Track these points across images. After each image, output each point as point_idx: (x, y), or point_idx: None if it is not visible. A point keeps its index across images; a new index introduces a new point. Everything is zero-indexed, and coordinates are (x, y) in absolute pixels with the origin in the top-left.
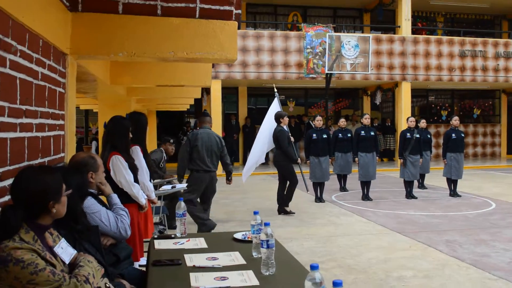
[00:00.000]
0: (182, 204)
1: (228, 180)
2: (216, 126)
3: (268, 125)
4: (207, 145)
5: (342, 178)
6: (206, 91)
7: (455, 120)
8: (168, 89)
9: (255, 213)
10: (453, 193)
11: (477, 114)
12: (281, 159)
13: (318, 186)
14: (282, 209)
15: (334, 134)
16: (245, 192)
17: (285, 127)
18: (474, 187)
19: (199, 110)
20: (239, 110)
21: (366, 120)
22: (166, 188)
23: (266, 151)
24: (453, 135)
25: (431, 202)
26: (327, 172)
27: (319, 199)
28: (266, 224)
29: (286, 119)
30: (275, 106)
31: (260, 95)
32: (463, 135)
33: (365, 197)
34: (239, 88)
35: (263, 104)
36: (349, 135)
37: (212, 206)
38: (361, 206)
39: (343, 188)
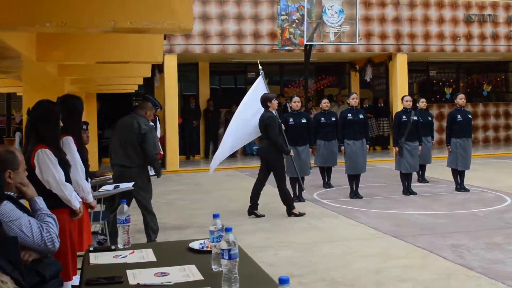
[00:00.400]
0: (125, 207)
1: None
2: (171, 110)
3: (251, 109)
4: (122, 135)
5: (325, 171)
6: (158, 68)
7: (461, 99)
8: (111, 67)
9: (215, 216)
10: (460, 187)
11: (487, 91)
12: (269, 150)
13: (296, 181)
14: (291, 212)
15: (315, 118)
16: (206, 191)
17: (274, 112)
18: (485, 179)
19: (150, 91)
20: (200, 91)
21: (353, 100)
22: (108, 188)
23: (250, 140)
24: (459, 116)
25: (433, 198)
26: (306, 165)
27: (297, 197)
28: (228, 230)
29: (275, 103)
30: (260, 86)
31: (226, 73)
32: (470, 116)
33: (354, 194)
34: (200, 64)
35: (229, 83)
36: (333, 119)
37: (165, 209)
38: (349, 205)
39: (326, 184)
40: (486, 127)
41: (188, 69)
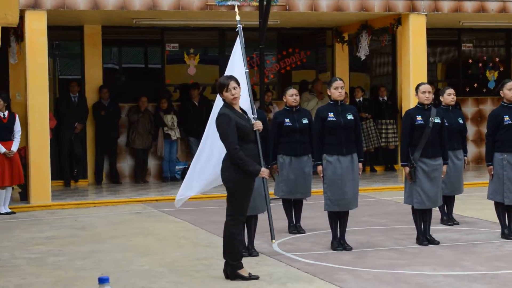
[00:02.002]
0: None
1: None
2: (38, 106)
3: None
4: None
5: (293, 206)
6: (15, 35)
7: (510, 89)
8: None
9: (102, 281)
10: (509, 232)
11: None
12: (227, 168)
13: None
14: (236, 272)
15: (276, 120)
16: (98, 239)
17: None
18: None
19: (2, 71)
20: (87, 74)
21: (337, 91)
22: None
23: None
24: (507, 117)
25: (465, 250)
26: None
27: (246, 248)
28: (103, 281)
29: (226, 94)
30: (236, 55)
31: (129, 44)
32: None
33: (338, 243)
34: (86, 28)
35: (135, 60)
36: (305, 121)
37: (29, 269)
38: (330, 261)
39: (294, 227)
40: None
41: (67, 37)
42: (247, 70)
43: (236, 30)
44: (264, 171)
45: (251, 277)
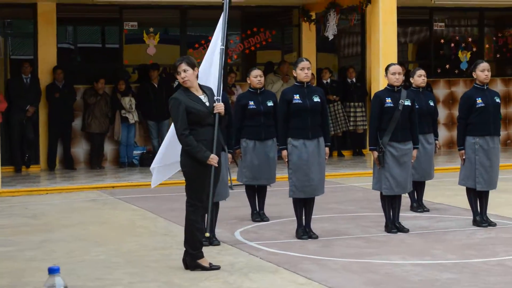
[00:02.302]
0: None
1: None
2: None
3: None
4: None
5: (256, 193)
6: None
7: (483, 70)
8: None
9: (52, 271)
10: (481, 219)
11: None
12: (183, 153)
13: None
14: (196, 263)
15: (239, 103)
16: (50, 228)
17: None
18: None
19: None
20: (40, 54)
21: (303, 72)
22: None
23: None
24: (480, 100)
25: (436, 238)
26: (222, 182)
27: (207, 238)
28: (53, 271)
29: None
30: (216, 31)
31: (88, 21)
32: (498, 100)
33: (304, 231)
34: (39, 5)
35: (92, 40)
36: (270, 103)
37: None
38: (295, 250)
39: (257, 215)
40: None
41: (19, 15)
42: (223, 47)
43: (222, 3)
44: (213, 158)
45: (211, 268)
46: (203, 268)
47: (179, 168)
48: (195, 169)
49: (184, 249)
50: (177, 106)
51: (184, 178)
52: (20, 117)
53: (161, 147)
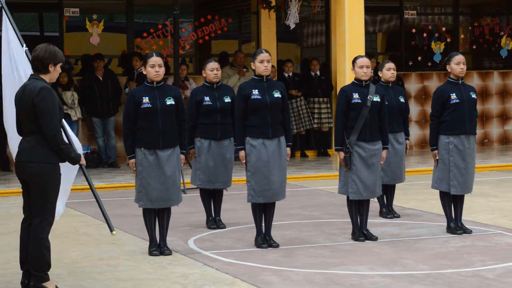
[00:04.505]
0: None
1: None
2: None
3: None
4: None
5: (212, 198)
6: None
7: (458, 63)
8: None
9: None
10: (455, 226)
11: (508, 50)
12: (36, 158)
13: (150, 215)
14: (38, 284)
15: (194, 98)
16: None
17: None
18: (500, 211)
19: None
20: None
21: (262, 65)
22: None
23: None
24: (454, 95)
25: (407, 246)
26: (173, 185)
27: (157, 246)
28: None
29: (59, 70)
30: (10, 32)
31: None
32: (474, 96)
33: (263, 240)
34: None
35: (32, 27)
36: (227, 99)
37: None
38: (253, 260)
39: (213, 221)
40: (506, 115)
41: None
42: (27, 48)
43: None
44: (83, 158)
45: None
46: None
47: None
48: (55, 178)
49: (22, 271)
50: (52, 98)
51: (38, 191)
52: None
53: None
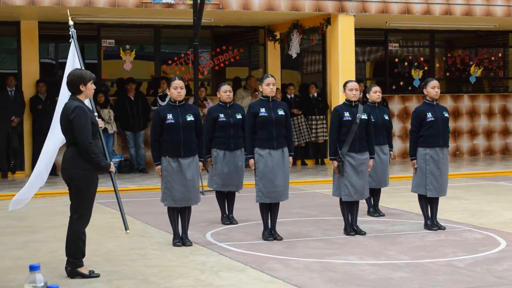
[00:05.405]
0: None
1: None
2: None
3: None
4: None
5: (226, 198)
6: None
7: (433, 87)
8: None
9: (33, 268)
10: (432, 224)
11: (476, 77)
12: (76, 165)
13: (173, 213)
14: (75, 271)
15: (211, 115)
16: (34, 229)
17: (88, 102)
18: (469, 211)
19: None
20: (23, 68)
21: (269, 88)
22: None
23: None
24: (430, 114)
25: (390, 240)
26: (193, 187)
27: (180, 239)
28: (34, 269)
29: (91, 87)
30: (72, 59)
31: (68, 38)
32: (447, 115)
33: (269, 234)
34: (23, 24)
35: None
36: (239, 116)
37: None
38: (261, 251)
39: (227, 218)
40: (474, 132)
41: (3, 32)
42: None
43: (70, 34)
44: (113, 166)
45: (91, 275)
46: (83, 276)
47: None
48: (89, 181)
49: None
50: (85, 115)
51: (77, 192)
52: (6, 127)
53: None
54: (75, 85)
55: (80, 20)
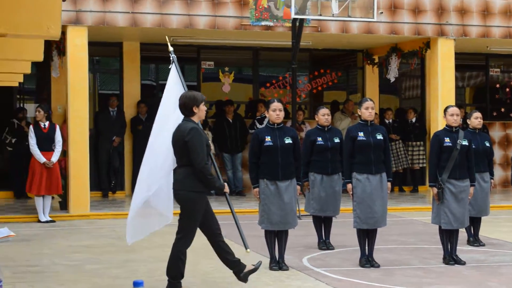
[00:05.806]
0: None
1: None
2: (78, 118)
3: (169, 119)
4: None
5: (322, 223)
6: (57, 49)
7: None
8: None
9: (137, 284)
10: None
11: None
12: (186, 187)
13: (271, 236)
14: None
15: (309, 139)
16: (135, 248)
17: (199, 123)
18: None
19: (44, 86)
20: (125, 89)
21: (367, 111)
22: None
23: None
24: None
25: (492, 271)
26: (291, 211)
27: (277, 262)
28: (138, 285)
29: (203, 108)
30: (176, 81)
31: (169, 60)
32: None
33: (367, 260)
34: (125, 45)
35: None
36: (337, 140)
37: (67, 276)
38: (358, 277)
39: (323, 243)
40: None
41: (106, 52)
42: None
43: (171, 59)
44: (227, 187)
45: None
46: None
47: (165, 223)
48: (196, 203)
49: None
50: (200, 136)
51: (184, 213)
52: (107, 146)
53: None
54: (188, 107)
55: (180, 42)
